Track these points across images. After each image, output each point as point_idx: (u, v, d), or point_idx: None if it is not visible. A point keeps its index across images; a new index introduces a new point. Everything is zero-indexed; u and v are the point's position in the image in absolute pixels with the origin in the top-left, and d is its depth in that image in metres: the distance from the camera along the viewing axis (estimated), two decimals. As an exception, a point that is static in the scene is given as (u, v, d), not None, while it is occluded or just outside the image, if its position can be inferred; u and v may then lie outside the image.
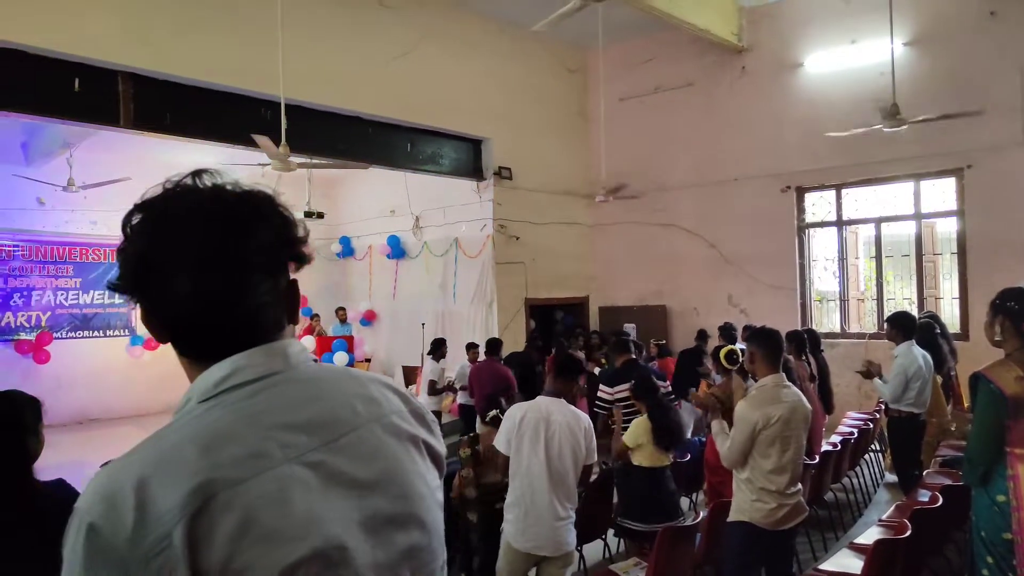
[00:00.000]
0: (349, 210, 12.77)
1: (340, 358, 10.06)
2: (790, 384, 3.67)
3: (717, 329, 7.99)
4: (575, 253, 11.03)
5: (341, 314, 11.16)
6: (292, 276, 1.02)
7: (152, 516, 0.78)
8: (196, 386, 0.92)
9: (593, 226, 11.20)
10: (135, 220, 0.95)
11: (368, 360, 11.73)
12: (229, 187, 0.97)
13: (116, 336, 11.40)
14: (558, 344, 8.87)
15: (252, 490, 0.82)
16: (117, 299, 10.83)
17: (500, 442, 3.76)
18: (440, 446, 1.05)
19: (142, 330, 11.29)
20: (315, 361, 1.02)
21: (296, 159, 6.37)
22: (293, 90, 6.63)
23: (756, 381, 3.78)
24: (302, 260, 1.01)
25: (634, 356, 5.94)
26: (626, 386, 5.24)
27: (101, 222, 10.53)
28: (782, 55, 9.52)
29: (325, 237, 12.92)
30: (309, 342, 10.53)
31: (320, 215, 10.35)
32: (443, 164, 9.59)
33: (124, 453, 0.86)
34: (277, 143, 5.96)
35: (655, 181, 10.18)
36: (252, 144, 6.04)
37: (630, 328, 9.69)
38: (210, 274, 0.91)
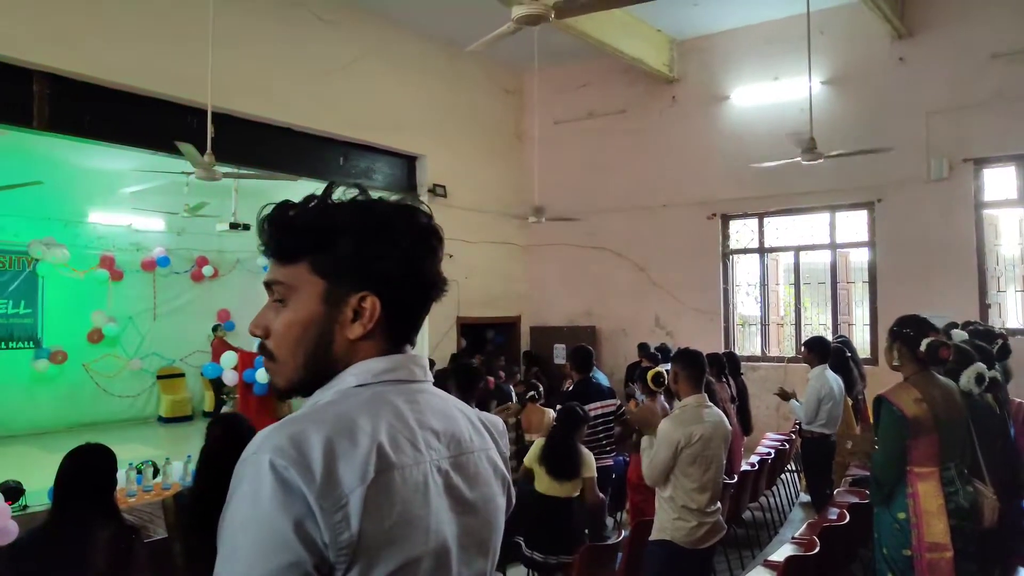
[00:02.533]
0: (278, 223, 12.46)
1: (262, 375, 9.75)
2: (712, 404, 3.76)
3: (637, 347, 8.17)
4: (508, 273, 11.07)
5: None
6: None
7: (337, 474, 0.85)
8: (354, 371, 1.00)
9: (526, 246, 11.29)
10: (350, 216, 1.02)
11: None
12: (412, 207, 1.09)
13: (19, 348, 10.72)
14: (455, 360, 8.80)
15: (411, 477, 0.91)
16: (22, 308, 10.23)
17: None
18: (511, 488, 1.13)
19: (49, 341, 10.74)
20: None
21: (222, 168, 6.19)
22: (221, 98, 6.45)
23: (679, 401, 3.87)
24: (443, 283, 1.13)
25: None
26: (599, 403, 5.30)
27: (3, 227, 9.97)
28: (710, 87, 9.89)
29: (251, 250, 12.57)
30: (231, 358, 10.17)
31: (246, 227, 10.06)
32: (376, 179, 9.50)
33: (293, 417, 0.92)
34: (202, 151, 5.78)
35: (587, 204, 10.36)
36: (176, 152, 5.84)
37: (560, 349, 9.79)
38: (436, 273, 1.07)
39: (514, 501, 1.14)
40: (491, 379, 8.23)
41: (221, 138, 6.31)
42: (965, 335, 4.02)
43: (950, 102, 8.22)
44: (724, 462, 3.72)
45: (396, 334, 1.04)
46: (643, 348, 8.06)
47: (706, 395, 3.76)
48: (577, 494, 4.44)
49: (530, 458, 4.40)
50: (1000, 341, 5.15)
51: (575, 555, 4.17)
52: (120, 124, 6.95)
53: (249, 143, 7.87)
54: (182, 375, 11.85)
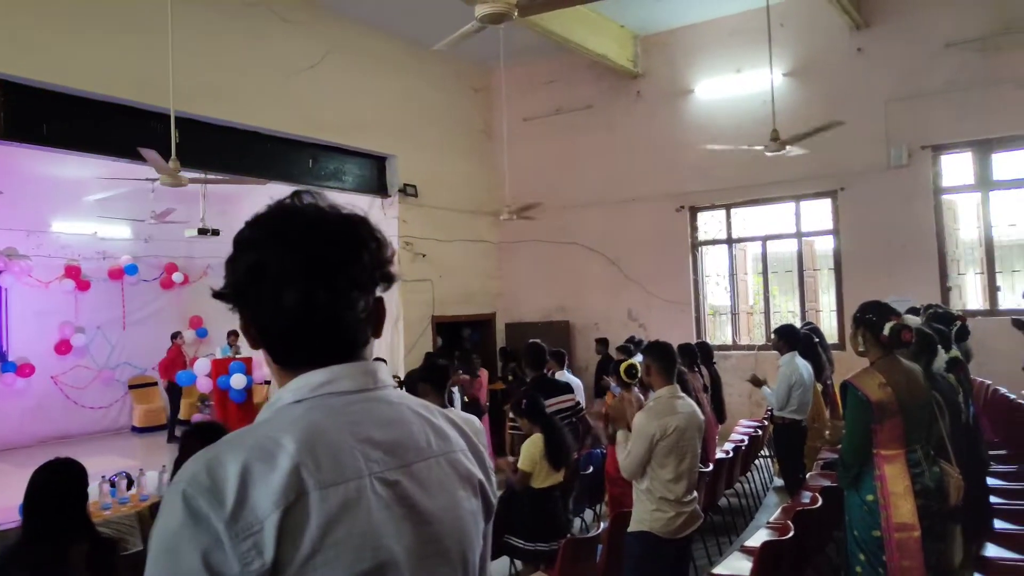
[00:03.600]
0: (247, 227, 12.33)
1: (238, 380, 9.66)
2: (684, 395, 3.82)
3: (617, 349, 8.24)
4: (482, 270, 11.10)
5: (231, 338, 10.71)
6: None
7: (251, 501, 0.83)
8: (292, 386, 0.97)
9: (499, 243, 11.32)
10: (247, 234, 1.01)
11: (268, 382, 11.32)
12: (330, 209, 1.04)
13: (-16, 362, 10.49)
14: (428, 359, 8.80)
15: (338, 495, 0.87)
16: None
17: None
18: (493, 488, 1.08)
19: (16, 355, 10.50)
20: (396, 387, 1.06)
21: (188, 174, 6.12)
22: (185, 103, 6.37)
23: (652, 392, 3.93)
24: (391, 280, 1.06)
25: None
26: (556, 399, 5.33)
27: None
28: (674, 81, 10.00)
29: (221, 255, 12.37)
30: (204, 365, 10.06)
31: (215, 232, 9.94)
32: (346, 181, 9.45)
33: (220, 441, 0.90)
34: (167, 157, 5.71)
35: (558, 200, 10.42)
36: (139, 158, 5.76)
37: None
38: (319, 288, 0.96)
39: (494, 501, 1.09)
40: (484, 371, 8.24)
41: (186, 143, 6.24)
42: (919, 320, 4.14)
43: (907, 91, 8.42)
44: (699, 451, 3.79)
45: (318, 347, 0.98)
46: (602, 343, 8.13)
47: (679, 386, 3.82)
48: (562, 480, 4.52)
49: (529, 461, 4.41)
50: (959, 323, 5.32)
51: (555, 543, 4.24)
52: (81, 131, 6.84)
53: (215, 147, 7.78)
54: (155, 384, 11.68)
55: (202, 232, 9.71)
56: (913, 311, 4.31)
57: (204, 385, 10.02)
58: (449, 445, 1.03)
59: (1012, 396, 6.29)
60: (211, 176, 7.81)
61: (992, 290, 8.28)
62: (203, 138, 7.53)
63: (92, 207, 11.03)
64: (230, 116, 7.79)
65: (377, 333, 1.07)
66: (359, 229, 1.04)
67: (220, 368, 9.83)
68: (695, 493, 3.78)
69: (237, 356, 10.27)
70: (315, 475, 0.86)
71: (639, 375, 4.97)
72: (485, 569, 1.07)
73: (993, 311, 8.15)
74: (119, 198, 10.67)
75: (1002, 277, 8.32)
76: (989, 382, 6.90)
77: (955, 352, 4.62)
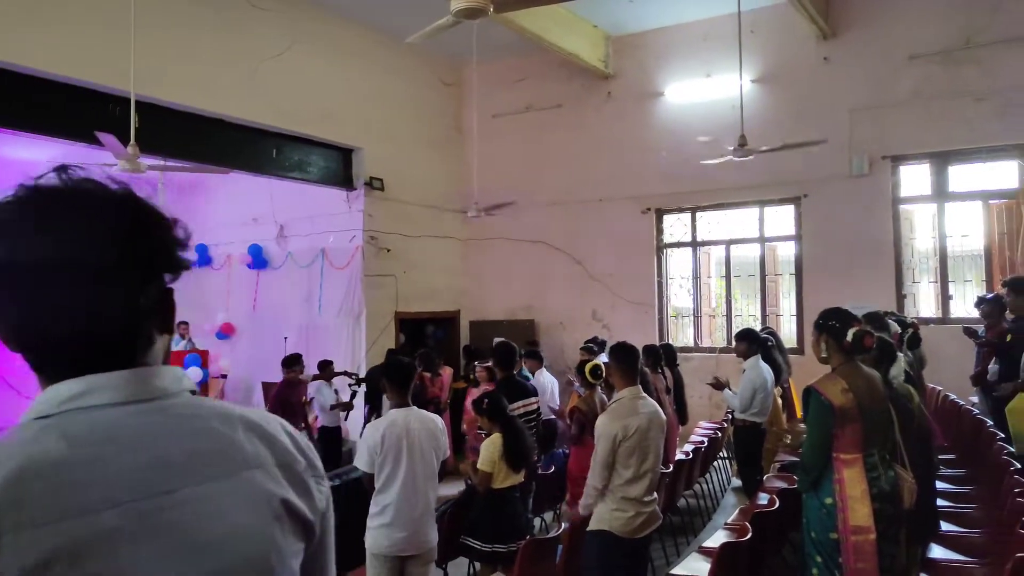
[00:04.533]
0: (207, 217, 12.05)
1: (193, 374, 9.44)
2: (646, 396, 3.84)
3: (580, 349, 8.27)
4: (447, 267, 11.02)
5: (182, 329, 10.45)
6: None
7: None
8: (38, 400, 0.82)
9: (465, 240, 11.26)
10: None
11: (224, 376, 11.10)
12: (96, 187, 0.86)
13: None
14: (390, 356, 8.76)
15: (60, 534, 0.72)
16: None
17: (362, 461, 3.71)
18: (309, 505, 0.92)
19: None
20: (193, 392, 0.91)
21: (147, 160, 5.94)
22: (146, 86, 6.18)
23: (615, 393, 3.94)
24: (178, 267, 0.91)
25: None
26: (522, 402, 5.30)
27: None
28: (645, 83, 10.06)
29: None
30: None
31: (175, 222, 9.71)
32: (311, 172, 9.29)
33: None
34: (125, 142, 5.53)
35: (526, 198, 10.40)
36: (96, 142, 5.57)
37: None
38: (72, 281, 0.81)
39: (310, 517, 0.93)
40: (447, 369, 8.20)
41: (146, 128, 6.07)
42: (897, 328, 4.22)
43: (871, 101, 8.60)
44: (661, 451, 3.81)
45: (72, 353, 0.83)
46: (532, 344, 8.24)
47: (640, 387, 3.83)
48: (522, 480, 4.51)
49: (489, 461, 4.38)
50: (911, 330, 5.46)
51: (514, 544, 4.23)
52: (35, 111, 6.60)
53: (177, 134, 7.57)
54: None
55: (161, 220, 9.48)
56: (874, 317, 4.40)
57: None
58: (240, 462, 0.86)
59: (961, 402, 6.47)
60: (171, 163, 7.61)
61: (945, 299, 8.52)
62: (164, 124, 7.32)
63: (45, 191, 10.65)
64: (193, 102, 7.59)
65: (166, 329, 0.92)
66: (129, 209, 0.87)
67: (175, 361, 9.59)
68: (655, 494, 3.80)
69: (193, 349, 10.05)
70: (15, 513, 0.71)
71: (603, 375, 4.99)
72: None
73: (945, 319, 8.38)
74: (73, 182, 10.33)
75: (954, 286, 8.57)
76: (940, 388, 7.09)
77: (908, 357, 4.74)
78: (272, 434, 0.92)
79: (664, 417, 3.86)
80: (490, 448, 4.40)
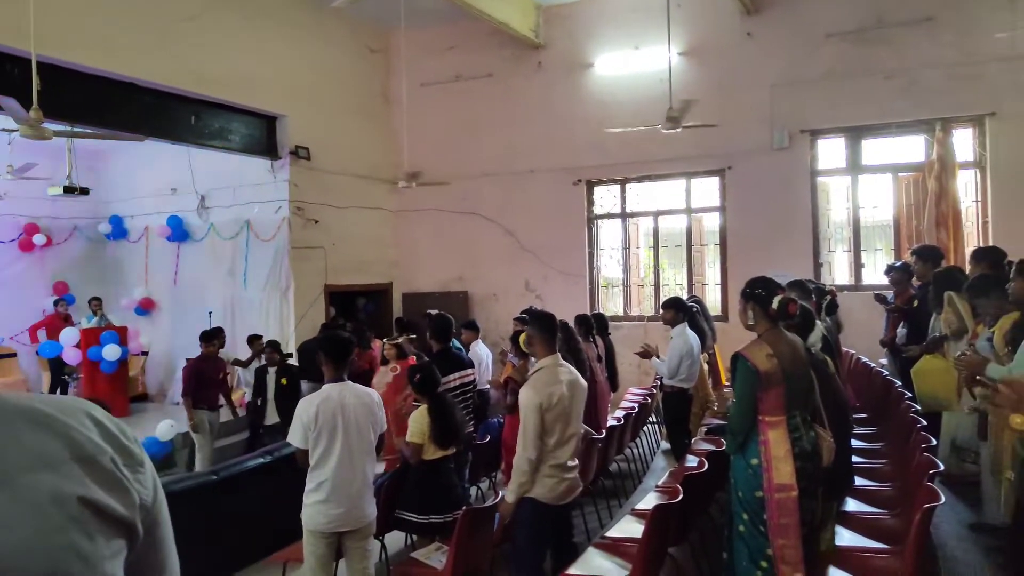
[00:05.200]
0: (121, 186, 11.45)
1: (111, 351, 9.02)
2: (565, 363, 3.87)
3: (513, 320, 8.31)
4: (378, 238, 10.85)
5: (94, 305, 9.93)
6: None
7: None
8: None
9: (396, 211, 11.09)
10: None
11: (146, 353, 10.66)
12: None
13: None
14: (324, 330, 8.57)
15: None
16: None
17: (296, 437, 3.64)
18: (122, 501, 0.78)
19: None
20: None
21: (53, 126, 5.58)
22: (49, 46, 5.78)
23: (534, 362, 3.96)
24: None
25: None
26: (458, 373, 5.27)
27: None
28: (574, 54, 10.07)
29: (91, 216, 11.49)
30: (71, 335, 9.32)
31: (84, 191, 9.18)
32: (233, 140, 8.93)
33: None
34: (27, 107, 5.17)
35: (457, 169, 10.31)
36: (-5, 106, 5.18)
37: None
38: None
39: (131, 519, 0.79)
40: (377, 342, 8.06)
41: (51, 92, 5.68)
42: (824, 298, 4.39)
43: (791, 76, 8.88)
44: (582, 414, 3.84)
45: None
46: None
47: (559, 355, 3.85)
48: (455, 451, 4.51)
49: (419, 433, 4.36)
50: (829, 297, 5.73)
51: (449, 515, 4.27)
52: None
53: (86, 98, 7.12)
54: (14, 355, 10.71)
55: (68, 190, 8.95)
56: (798, 284, 4.58)
57: (72, 357, 9.29)
58: (21, 467, 0.73)
59: (872, 364, 6.86)
60: (79, 129, 7.17)
61: (857, 266, 8.97)
62: (70, 87, 6.87)
63: (-64, 158, 9.88)
64: (102, 64, 7.14)
65: None
66: None
67: (91, 338, 9.15)
68: (576, 461, 3.84)
69: (109, 325, 9.59)
70: None
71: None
72: None
73: (858, 286, 8.84)
74: (-31, 149, 9.61)
75: (866, 255, 9.03)
76: (852, 351, 7.49)
77: (827, 323, 4.98)
78: (68, 425, 0.78)
79: (584, 383, 3.89)
80: (419, 420, 4.40)
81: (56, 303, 10.23)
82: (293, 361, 7.97)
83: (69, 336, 9.30)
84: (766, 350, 3.16)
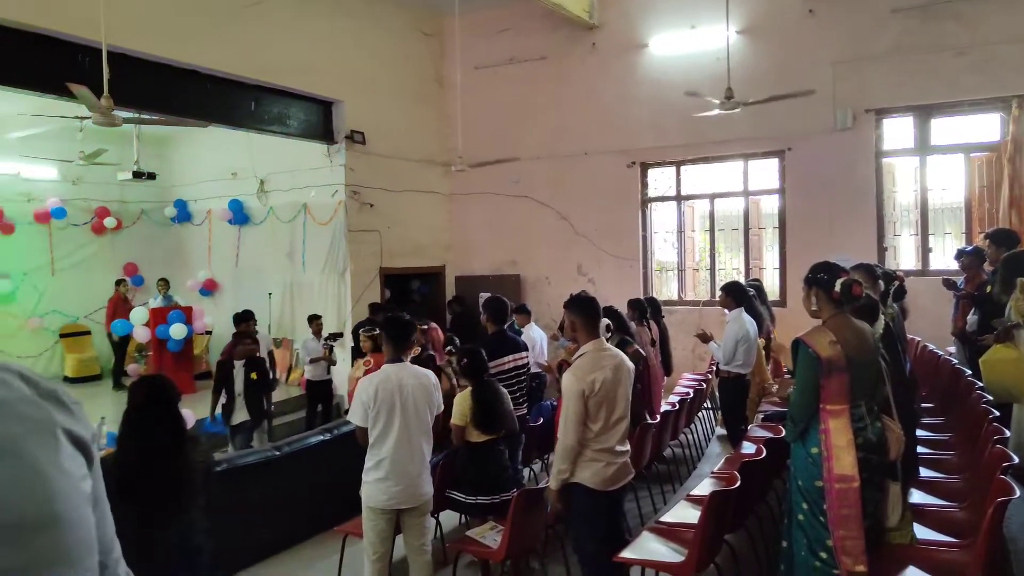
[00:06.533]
0: (185, 171, 11.83)
1: (177, 330, 9.37)
2: (610, 347, 3.77)
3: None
4: (431, 222, 10.95)
5: (161, 286, 10.30)
6: None
7: None
8: None
9: (450, 195, 11.16)
10: None
11: (209, 332, 11.03)
12: None
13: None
14: (373, 310, 8.65)
15: None
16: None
17: (356, 416, 3.72)
18: (83, 430, 0.84)
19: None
20: None
21: (122, 113, 5.77)
22: (118, 36, 5.98)
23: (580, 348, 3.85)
24: None
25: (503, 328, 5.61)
26: (512, 356, 5.29)
27: None
28: (629, 35, 9.90)
29: (157, 200, 11.91)
30: (141, 314, 9.70)
31: (151, 176, 9.52)
32: (291, 125, 9.10)
33: None
34: (98, 94, 5.36)
35: (510, 152, 10.29)
36: (68, 94, 5.39)
37: (485, 297, 9.82)
38: None
39: (89, 436, 0.84)
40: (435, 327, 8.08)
41: (119, 80, 5.86)
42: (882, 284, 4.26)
43: (854, 54, 8.55)
44: (630, 398, 3.72)
45: None
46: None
47: (603, 339, 3.74)
48: (504, 434, 4.54)
49: (457, 416, 4.41)
50: (897, 283, 5.53)
51: (498, 496, 4.30)
52: (2, 63, 6.35)
53: (151, 86, 7.35)
54: (88, 332, 11.24)
55: (136, 175, 9.28)
56: (866, 267, 4.44)
57: (141, 335, 9.68)
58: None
59: (940, 353, 6.61)
60: (146, 116, 7.41)
61: (925, 251, 8.64)
62: (136, 75, 7.10)
63: (15, 145, 10.37)
64: (167, 53, 7.36)
65: None
66: None
67: (159, 317, 9.51)
68: (627, 445, 3.72)
69: (175, 305, 9.95)
70: None
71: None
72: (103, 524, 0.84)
73: (925, 271, 8.51)
74: (44, 136, 10.06)
75: (934, 239, 8.68)
76: (919, 339, 7.24)
77: (893, 310, 4.81)
78: (23, 371, 0.82)
79: (631, 364, 3.76)
80: (462, 403, 4.44)
81: (118, 283, 10.64)
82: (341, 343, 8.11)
83: (139, 315, 9.69)
84: (829, 336, 3.07)
